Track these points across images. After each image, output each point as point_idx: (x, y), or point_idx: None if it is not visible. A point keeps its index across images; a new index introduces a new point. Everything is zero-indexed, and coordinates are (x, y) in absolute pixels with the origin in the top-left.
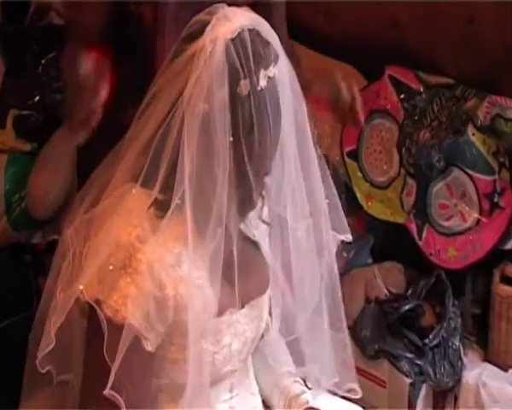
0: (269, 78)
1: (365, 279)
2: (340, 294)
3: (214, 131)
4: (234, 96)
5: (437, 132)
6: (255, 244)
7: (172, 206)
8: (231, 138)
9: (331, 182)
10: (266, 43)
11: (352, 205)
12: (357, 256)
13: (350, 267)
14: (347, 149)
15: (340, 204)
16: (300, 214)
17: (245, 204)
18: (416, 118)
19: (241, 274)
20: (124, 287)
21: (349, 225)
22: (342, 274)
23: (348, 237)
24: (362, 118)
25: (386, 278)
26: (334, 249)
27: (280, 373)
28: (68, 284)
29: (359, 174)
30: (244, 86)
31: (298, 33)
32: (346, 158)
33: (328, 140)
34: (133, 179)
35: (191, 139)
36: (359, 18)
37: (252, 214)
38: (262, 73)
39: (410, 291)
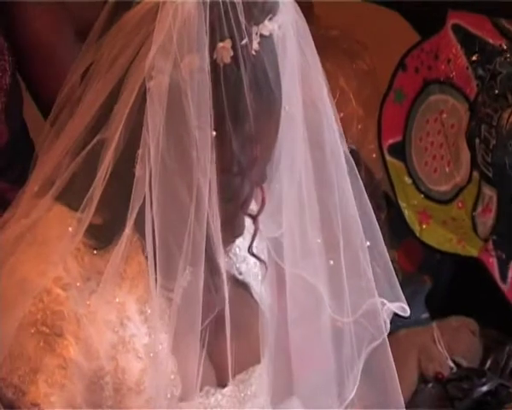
0: (262, 36)
1: (419, 345)
2: (392, 364)
3: (186, 121)
4: (211, 68)
5: None
6: (243, 286)
7: (126, 232)
8: (214, 132)
9: (364, 195)
10: None
11: (397, 228)
12: None
13: (396, 327)
14: (390, 140)
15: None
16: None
17: (229, 227)
18: (497, 92)
19: (220, 334)
20: (34, 356)
21: (393, 260)
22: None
23: (405, 310)
24: None
25: (451, 343)
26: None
27: None
28: None
29: (408, 180)
30: (224, 51)
31: None
32: (388, 155)
33: (360, 127)
34: (52, 193)
35: (154, 133)
36: None
37: (239, 242)
38: (254, 30)
39: (488, 363)
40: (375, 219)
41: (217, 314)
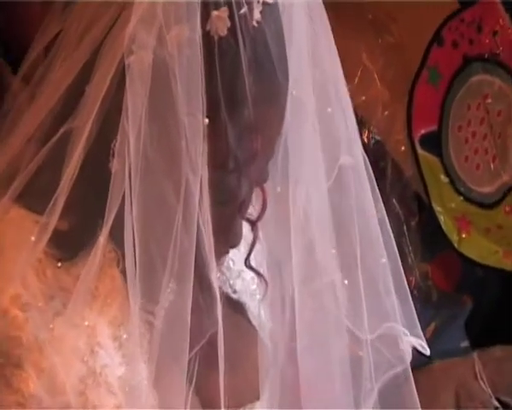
0: (265, 4)
1: (457, 380)
2: (416, 398)
3: (174, 105)
4: (204, 41)
5: None
6: (237, 307)
7: (101, 241)
8: (206, 119)
9: (379, 199)
10: None
11: (430, 238)
12: (441, 336)
13: (429, 357)
14: (422, 130)
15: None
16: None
17: (223, 235)
18: None
19: (209, 365)
20: None
21: (427, 276)
22: (414, 369)
23: (423, 348)
24: None
25: (495, 378)
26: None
27: None
28: None
29: (444, 179)
30: (219, 21)
31: None
32: (420, 148)
33: (386, 113)
34: (11, 194)
35: (135, 120)
36: None
37: (233, 254)
38: None
39: None
40: (390, 232)
41: (206, 340)
